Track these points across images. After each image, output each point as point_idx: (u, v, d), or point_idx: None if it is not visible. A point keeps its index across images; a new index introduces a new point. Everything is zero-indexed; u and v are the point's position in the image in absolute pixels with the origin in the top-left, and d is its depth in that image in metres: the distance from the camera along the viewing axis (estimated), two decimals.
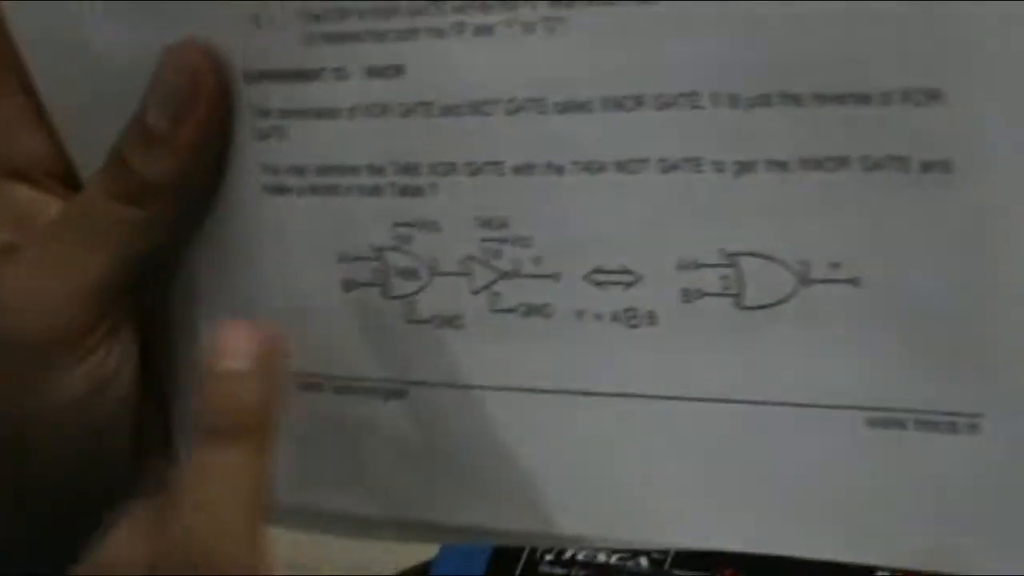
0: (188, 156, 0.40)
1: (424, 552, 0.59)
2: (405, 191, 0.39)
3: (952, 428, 0.34)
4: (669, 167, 0.36)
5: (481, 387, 0.40)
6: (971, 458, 0.34)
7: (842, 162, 0.34)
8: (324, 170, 0.40)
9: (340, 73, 0.39)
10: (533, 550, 0.61)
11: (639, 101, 0.35)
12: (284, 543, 0.40)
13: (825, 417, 0.36)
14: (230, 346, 0.38)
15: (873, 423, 0.35)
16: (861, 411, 0.35)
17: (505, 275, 0.38)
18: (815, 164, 0.34)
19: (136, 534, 0.39)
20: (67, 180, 0.43)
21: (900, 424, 0.35)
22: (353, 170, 0.39)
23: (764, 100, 0.34)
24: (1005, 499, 0.34)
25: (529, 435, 0.39)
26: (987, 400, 0.34)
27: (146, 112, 0.40)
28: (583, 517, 0.39)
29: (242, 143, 0.41)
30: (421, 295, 0.40)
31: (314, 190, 0.40)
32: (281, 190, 0.40)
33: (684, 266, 0.36)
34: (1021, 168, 0.32)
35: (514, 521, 0.40)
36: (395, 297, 0.40)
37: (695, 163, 0.35)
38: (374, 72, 0.38)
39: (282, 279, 0.41)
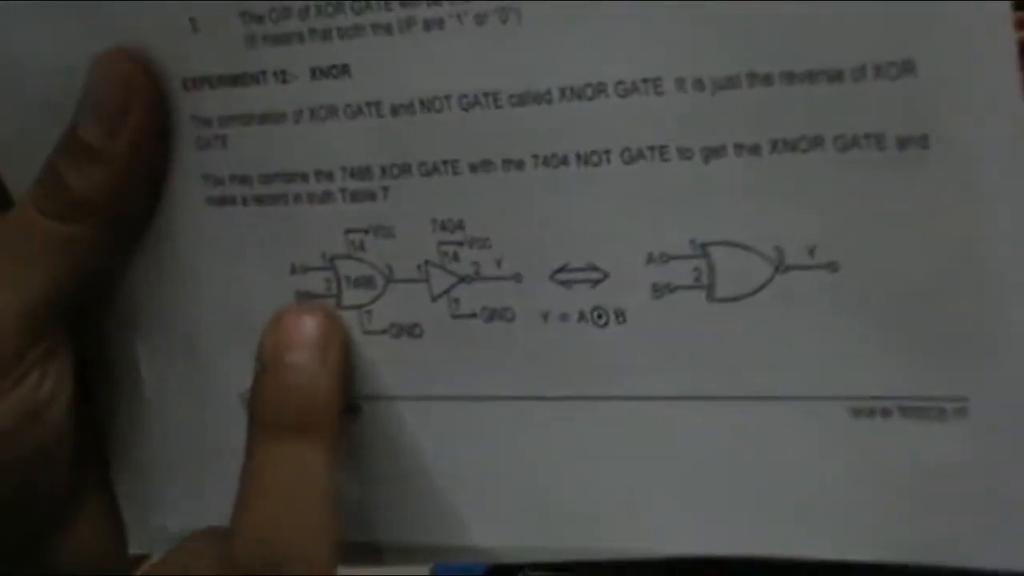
0: (124, 170, 0.40)
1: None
2: (356, 196, 0.39)
3: (939, 414, 0.35)
4: (634, 157, 0.36)
5: (442, 398, 0.40)
6: (960, 444, 0.35)
7: (816, 142, 0.34)
8: (270, 178, 0.40)
9: (283, 76, 0.39)
10: None
11: (599, 89, 0.36)
12: None
13: (807, 409, 0.36)
14: (293, 335, 0.38)
15: (857, 412, 0.36)
16: (844, 401, 0.36)
17: (464, 279, 0.39)
18: (788, 146, 0.34)
19: (207, 533, 0.40)
20: (1, 202, 0.43)
21: (885, 412, 0.36)
22: (301, 176, 0.39)
23: (731, 82, 0.34)
24: (996, 485, 0.35)
25: (495, 447, 0.40)
26: (974, 383, 0.34)
27: (78, 125, 0.40)
28: (562, 529, 0.39)
29: (182, 154, 0.40)
30: (377, 304, 0.40)
31: (260, 200, 0.40)
32: (225, 201, 0.40)
33: (653, 260, 0.37)
34: (998, 140, 0.32)
35: (489, 539, 0.40)
36: (349, 307, 0.40)
37: (661, 151, 0.36)
38: (318, 73, 0.38)
39: (231, 295, 0.41)
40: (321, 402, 0.38)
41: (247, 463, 0.38)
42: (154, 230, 0.42)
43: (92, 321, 0.44)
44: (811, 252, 0.35)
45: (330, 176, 0.39)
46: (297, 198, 0.40)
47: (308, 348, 0.39)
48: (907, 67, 0.33)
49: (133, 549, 0.45)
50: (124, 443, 0.45)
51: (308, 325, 0.39)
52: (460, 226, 0.38)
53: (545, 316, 0.38)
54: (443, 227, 0.38)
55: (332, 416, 0.38)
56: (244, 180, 0.40)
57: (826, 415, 0.36)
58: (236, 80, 0.39)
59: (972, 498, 0.35)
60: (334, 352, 0.39)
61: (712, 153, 0.35)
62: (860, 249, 0.35)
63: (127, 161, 0.40)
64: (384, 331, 0.40)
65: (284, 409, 0.38)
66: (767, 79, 0.34)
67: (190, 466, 0.44)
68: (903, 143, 0.33)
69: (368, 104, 0.38)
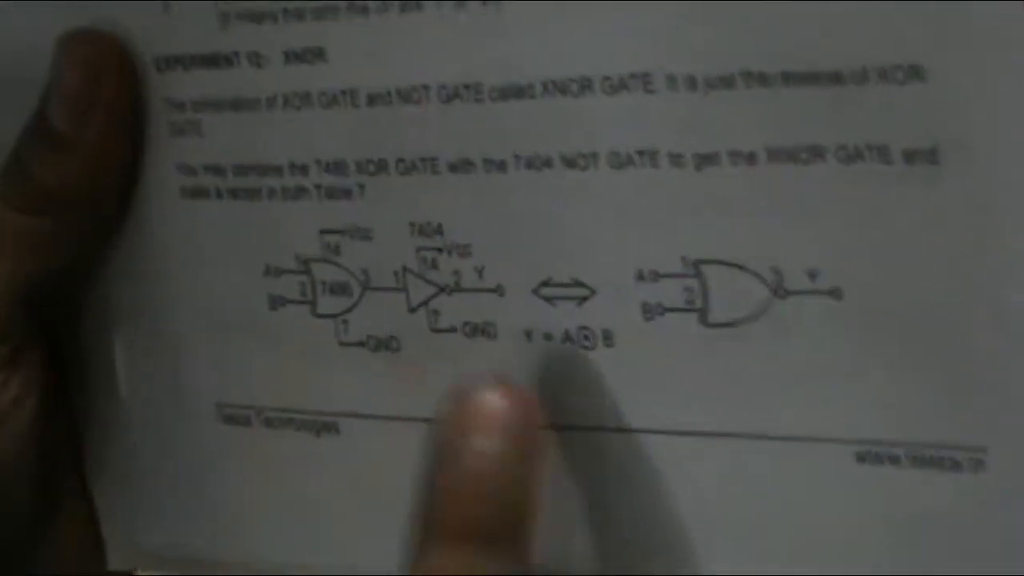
0: (94, 157, 0.39)
1: None
2: (332, 193, 0.38)
3: (952, 465, 0.33)
4: (622, 162, 0.35)
5: (421, 419, 0.38)
6: (974, 499, 0.33)
7: (816, 152, 0.32)
8: (243, 169, 0.39)
9: (256, 58, 0.38)
10: None
11: (585, 84, 0.34)
12: None
13: (806, 452, 0.35)
14: (479, 415, 0.34)
15: (862, 458, 0.34)
16: (848, 444, 0.34)
17: (444, 289, 0.38)
18: (786, 155, 0.33)
19: None
20: None
21: (893, 459, 0.34)
22: (274, 170, 0.39)
23: (726, 81, 0.33)
24: (1012, 544, 0.33)
25: None
26: (993, 431, 0.32)
27: (45, 111, 0.39)
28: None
29: (155, 140, 0.40)
30: (353, 313, 0.39)
31: (234, 193, 0.39)
32: (199, 193, 0.40)
33: (643, 277, 0.35)
34: (1017, 155, 0.31)
35: None
36: (325, 316, 0.39)
37: (651, 156, 0.34)
38: (292, 57, 0.38)
39: (204, 296, 0.41)
40: (511, 502, 0.34)
41: (416, 569, 0.34)
42: (128, 223, 0.41)
43: (67, 319, 0.43)
44: (812, 276, 0.34)
45: (304, 170, 0.38)
46: (271, 193, 0.39)
47: (496, 431, 0.34)
48: (915, 72, 0.31)
49: (112, 565, 0.45)
50: (102, 451, 0.45)
51: (502, 406, 0.34)
52: (439, 231, 0.37)
53: (528, 334, 0.37)
54: (421, 231, 0.38)
55: (527, 518, 0.34)
56: (218, 171, 0.40)
57: (828, 459, 0.34)
58: (209, 61, 0.39)
59: (986, 560, 0.33)
60: (533, 443, 0.34)
61: (705, 160, 0.34)
62: (865, 275, 0.33)
63: (97, 148, 0.39)
64: (361, 343, 0.39)
65: (464, 514, 0.33)
66: (764, 79, 0.33)
67: (169, 480, 0.43)
68: (911, 156, 0.32)
69: (344, 92, 0.37)
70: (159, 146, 0.40)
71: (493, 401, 0.34)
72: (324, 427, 0.40)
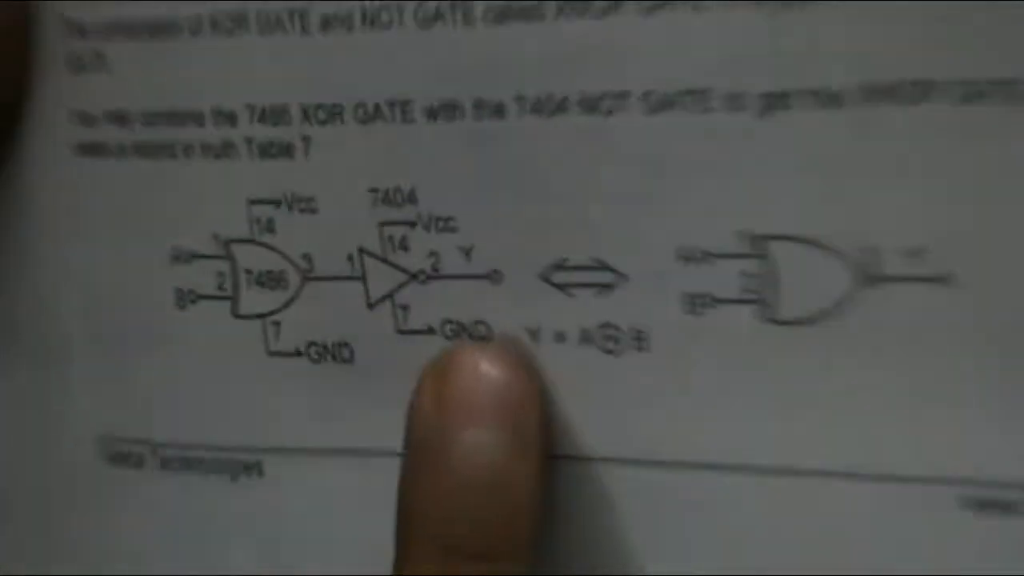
0: None
1: None
2: (266, 149, 0.34)
3: None
4: (660, 104, 0.31)
5: (379, 452, 0.35)
6: None
7: (924, 90, 0.29)
8: (153, 118, 0.35)
9: None
10: None
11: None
12: None
13: (898, 494, 0.31)
14: (466, 396, 0.31)
15: (969, 503, 0.30)
16: (952, 485, 0.30)
17: (417, 277, 0.34)
18: (883, 94, 0.29)
19: None
20: None
21: (1008, 507, 0.30)
22: (193, 118, 0.34)
23: None
24: None
25: None
26: None
27: None
28: None
29: (51, 77, 0.36)
30: (289, 312, 0.35)
31: (141, 150, 0.35)
32: (98, 150, 0.35)
33: (688, 258, 0.32)
34: None
35: None
36: (249, 316, 0.35)
37: (700, 97, 0.30)
38: None
39: (95, 290, 0.36)
40: (518, 515, 0.31)
41: None
42: (8, 186, 0.37)
43: None
44: (915, 256, 0.30)
45: (232, 118, 0.34)
46: (187, 150, 0.34)
47: (494, 421, 0.31)
48: None
49: None
50: None
51: (495, 383, 0.31)
52: (411, 199, 0.33)
53: (534, 335, 0.33)
54: (386, 200, 0.33)
55: (532, 534, 0.31)
56: (123, 120, 0.35)
57: (925, 503, 0.31)
58: None
59: None
60: (534, 430, 0.31)
61: (773, 102, 0.30)
62: (985, 256, 0.30)
63: None
64: (298, 352, 0.35)
65: (457, 522, 0.30)
66: None
67: (26, 519, 0.39)
68: None
69: (291, 13, 0.33)
70: (53, 86, 0.36)
71: (484, 377, 0.31)
72: (244, 468, 0.35)
